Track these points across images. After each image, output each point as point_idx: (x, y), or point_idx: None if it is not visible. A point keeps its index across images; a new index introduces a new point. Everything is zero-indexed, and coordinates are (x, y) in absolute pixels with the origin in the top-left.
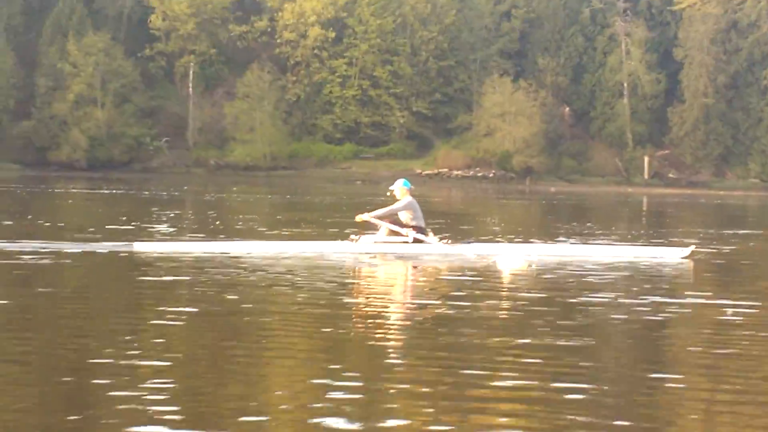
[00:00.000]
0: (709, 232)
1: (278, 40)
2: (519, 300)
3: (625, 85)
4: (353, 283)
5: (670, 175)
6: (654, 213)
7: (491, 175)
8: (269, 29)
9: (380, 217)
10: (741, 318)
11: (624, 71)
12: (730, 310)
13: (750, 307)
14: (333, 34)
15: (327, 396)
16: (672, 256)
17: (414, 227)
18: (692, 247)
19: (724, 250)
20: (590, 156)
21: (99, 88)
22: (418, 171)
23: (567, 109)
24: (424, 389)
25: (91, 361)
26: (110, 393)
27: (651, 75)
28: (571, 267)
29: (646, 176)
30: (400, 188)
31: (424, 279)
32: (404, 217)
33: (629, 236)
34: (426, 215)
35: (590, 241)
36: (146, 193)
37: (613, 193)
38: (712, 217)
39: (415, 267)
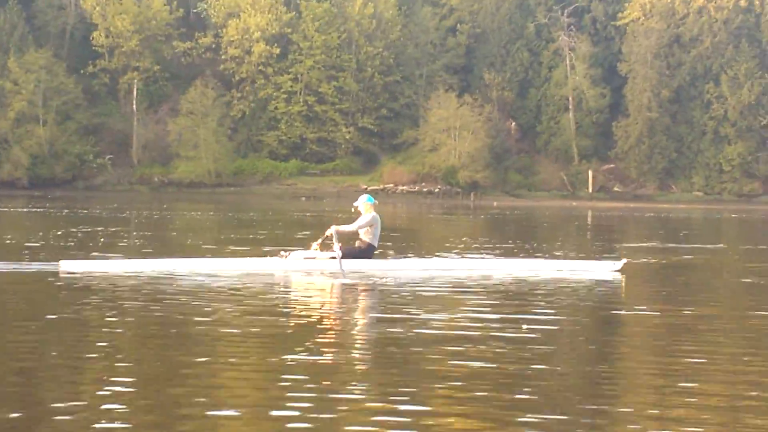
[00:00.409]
0: (647, 245)
1: (223, 57)
2: (457, 314)
3: (570, 99)
4: (280, 299)
5: (616, 189)
6: (596, 227)
7: (437, 190)
8: (214, 45)
9: (346, 233)
10: (664, 329)
11: (569, 86)
12: (656, 320)
13: (678, 316)
14: (278, 50)
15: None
16: (605, 270)
17: (362, 245)
18: (624, 260)
19: (660, 263)
20: (536, 170)
21: (41, 106)
22: (364, 186)
23: (513, 123)
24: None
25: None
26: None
27: (596, 89)
28: (510, 282)
29: (590, 190)
30: (364, 204)
31: (351, 294)
32: (362, 232)
33: (568, 250)
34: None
35: (533, 256)
36: (86, 211)
37: (558, 207)
38: (654, 230)
39: (340, 282)
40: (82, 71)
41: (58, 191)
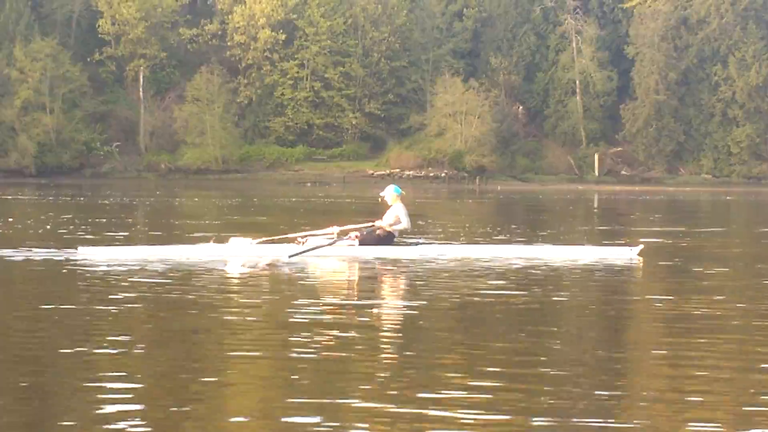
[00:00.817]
0: (658, 229)
1: (229, 43)
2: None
3: (578, 83)
4: (306, 283)
5: (623, 172)
6: (604, 211)
7: (443, 174)
8: (220, 32)
9: (387, 229)
10: (690, 313)
11: (576, 69)
12: (678, 306)
13: (698, 302)
14: (284, 36)
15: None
16: (623, 255)
17: (382, 233)
18: (641, 246)
19: (674, 247)
20: (544, 154)
21: (47, 94)
22: (370, 172)
23: (520, 107)
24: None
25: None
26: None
27: (603, 73)
28: (528, 268)
29: (597, 174)
30: (391, 194)
31: (367, 278)
32: (389, 219)
33: (577, 236)
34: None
35: (547, 243)
36: (94, 198)
37: (564, 191)
38: (664, 213)
39: (359, 267)
40: (88, 59)
41: (65, 179)
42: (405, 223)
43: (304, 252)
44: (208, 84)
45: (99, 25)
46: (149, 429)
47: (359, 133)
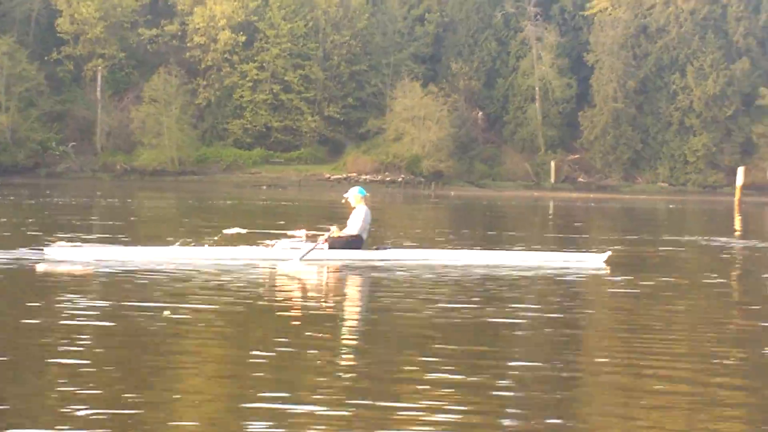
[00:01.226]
0: (618, 237)
1: (188, 44)
2: (457, 307)
3: (537, 89)
4: (269, 287)
5: (580, 180)
6: (559, 218)
7: (400, 179)
8: (180, 33)
9: (344, 238)
10: (658, 316)
11: (536, 76)
12: (647, 310)
13: (656, 309)
14: (244, 38)
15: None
16: (592, 261)
17: (349, 238)
18: (609, 253)
19: (630, 255)
20: (502, 160)
21: (3, 92)
22: (327, 176)
23: (479, 113)
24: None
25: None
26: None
27: (562, 80)
28: (494, 274)
29: (553, 180)
30: (355, 196)
31: (337, 282)
32: (354, 223)
33: (534, 243)
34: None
35: (505, 248)
36: (51, 199)
37: (520, 197)
38: (621, 222)
39: (330, 271)
40: (46, 58)
41: (19, 179)
42: (354, 230)
43: (308, 252)
44: (166, 85)
45: (57, 24)
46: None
47: (318, 137)
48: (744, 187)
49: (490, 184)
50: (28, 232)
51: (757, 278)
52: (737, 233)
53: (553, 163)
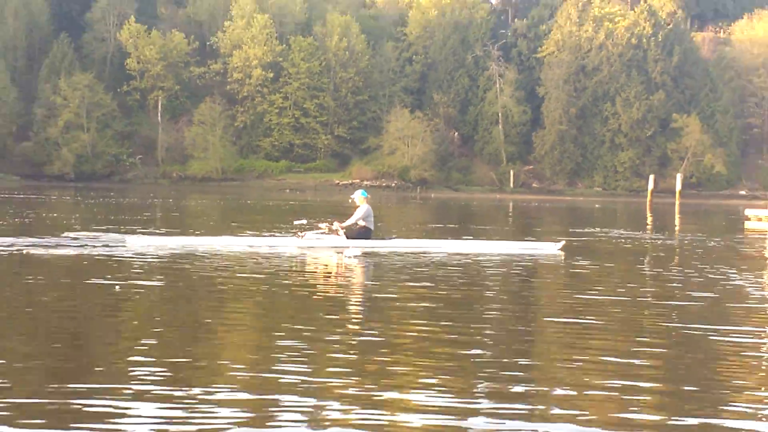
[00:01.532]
0: (565, 229)
1: (229, 79)
2: (433, 288)
3: (500, 115)
4: (300, 270)
5: (534, 185)
6: (521, 214)
7: (393, 184)
8: (222, 70)
9: (348, 227)
10: (607, 294)
11: (499, 104)
12: (598, 287)
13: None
14: (272, 75)
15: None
16: (549, 249)
17: (361, 228)
18: (563, 242)
19: (585, 243)
20: (473, 170)
21: (84, 116)
22: (337, 181)
23: (455, 133)
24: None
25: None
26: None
27: (519, 107)
28: (468, 259)
29: (512, 186)
30: (359, 197)
31: (354, 266)
32: (356, 218)
33: (504, 234)
34: (331, 215)
35: (479, 239)
36: (124, 199)
37: (487, 198)
38: (565, 217)
39: (347, 257)
40: (118, 89)
41: (97, 184)
42: (356, 221)
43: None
44: (211, 111)
45: (127, 63)
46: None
47: (330, 151)
48: (660, 190)
49: (464, 188)
50: (110, 225)
51: (666, 262)
52: (648, 227)
53: (512, 172)
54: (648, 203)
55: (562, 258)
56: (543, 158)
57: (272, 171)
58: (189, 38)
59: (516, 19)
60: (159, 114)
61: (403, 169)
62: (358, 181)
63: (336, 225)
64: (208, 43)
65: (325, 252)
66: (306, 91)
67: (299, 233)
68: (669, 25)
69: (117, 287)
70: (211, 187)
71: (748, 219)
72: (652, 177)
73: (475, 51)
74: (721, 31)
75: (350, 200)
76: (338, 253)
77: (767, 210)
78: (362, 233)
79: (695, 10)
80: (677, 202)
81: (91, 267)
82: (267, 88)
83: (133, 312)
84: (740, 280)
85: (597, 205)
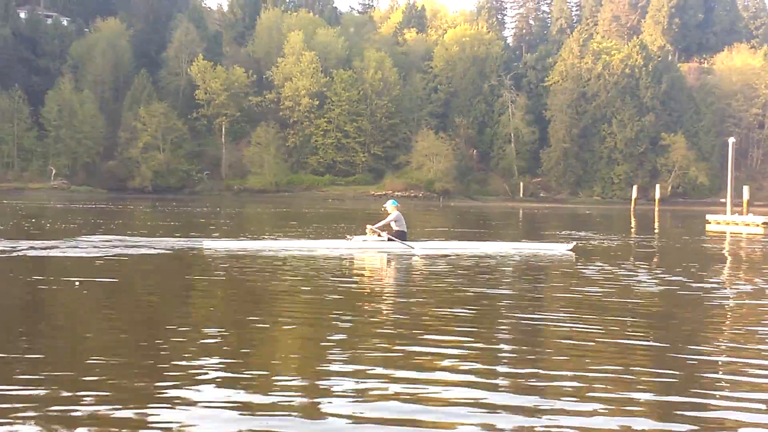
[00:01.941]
0: (575, 233)
1: (281, 107)
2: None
3: (512, 135)
4: (351, 269)
5: (542, 195)
6: (530, 219)
7: (420, 195)
8: (276, 99)
9: (381, 228)
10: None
11: (511, 126)
12: (606, 283)
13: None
14: (317, 102)
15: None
16: (561, 249)
17: (397, 231)
18: (574, 243)
19: (594, 245)
20: (489, 182)
21: (161, 139)
22: (372, 192)
23: (474, 151)
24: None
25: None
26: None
27: (529, 129)
28: (490, 258)
29: (522, 195)
30: (390, 205)
31: (397, 267)
32: (394, 224)
33: (519, 236)
34: (365, 221)
35: (506, 240)
36: (200, 209)
37: (501, 206)
38: (571, 222)
39: (390, 260)
40: (189, 116)
41: (171, 195)
42: (393, 225)
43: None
44: (266, 133)
45: (196, 94)
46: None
47: (367, 167)
48: (650, 199)
49: (481, 197)
50: (187, 230)
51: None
52: (631, 230)
53: (521, 184)
54: (632, 210)
55: (573, 258)
56: (549, 171)
57: (317, 184)
58: (248, 72)
59: (527, 54)
60: (223, 136)
61: (428, 181)
62: (390, 192)
63: (368, 228)
64: (264, 76)
65: (371, 252)
66: (346, 116)
67: (347, 236)
68: (658, 57)
69: (76, 283)
70: (267, 198)
71: (709, 222)
72: (635, 187)
73: (491, 81)
74: (705, 61)
75: (383, 209)
76: (380, 252)
77: (726, 215)
78: (399, 235)
79: (682, 44)
80: (656, 209)
81: (174, 264)
82: (313, 114)
83: (201, 305)
84: (692, 275)
85: (587, 211)
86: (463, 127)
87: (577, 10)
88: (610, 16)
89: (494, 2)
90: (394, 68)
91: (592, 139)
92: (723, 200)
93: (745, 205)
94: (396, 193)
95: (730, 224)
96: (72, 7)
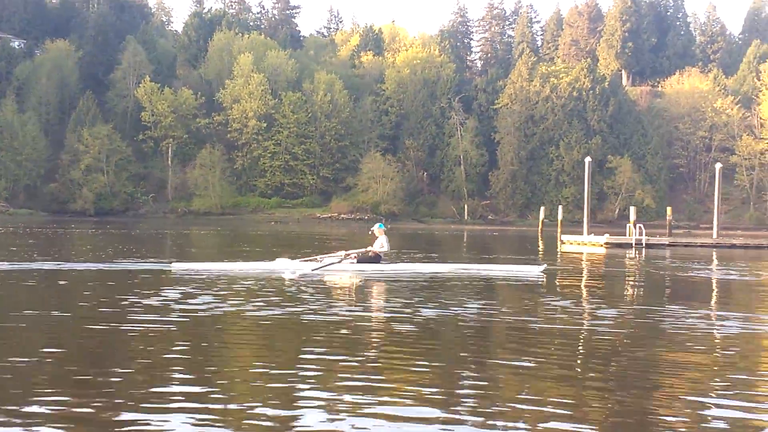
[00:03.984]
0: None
1: (229, 129)
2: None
3: (461, 157)
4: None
5: (490, 217)
6: (475, 242)
7: (366, 217)
8: (224, 121)
9: (368, 255)
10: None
11: (460, 148)
12: (581, 303)
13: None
14: (265, 124)
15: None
16: (533, 271)
17: (375, 254)
18: (545, 265)
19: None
20: (439, 205)
21: (104, 161)
22: (318, 215)
23: (424, 173)
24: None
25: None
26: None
27: (478, 151)
28: (462, 280)
29: (467, 218)
30: (377, 229)
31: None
32: (377, 246)
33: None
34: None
35: (467, 261)
36: (138, 232)
37: (448, 228)
38: (473, 243)
39: (359, 280)
40: (135, 138)
41: (113, 218)
42: (386, 248)
43: (322, 267)
44: (211, 156)
45: (142, 116)
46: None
47: (315, 189)
48: (598, 222)
49: (429, 220)
50: (137, 252)
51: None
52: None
53: (466, 207)
54: (539, 231)
55: (543, 280)
56: (498, 194)
57: (264, 206)
58: (197, 94)
59: (477, 77)
60: (169, 158)
61: (374, 204)
62: (335, 215)
63: (354, 252)
64: (213, 98)
65: (339, 275)
66: (295, 138)
67: (318, 258)
68: (607, 80)
69: None
70: (211, 220)
71: (563, 243)
72: (542, 209)
73: (441, 102)
74: (659, 85)
75: (370, 232)
76: (350, 277)
77: (581, 235)
78: (373, 259)
79: (636, 68)
80: (559, 230)
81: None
82: (261, 136)
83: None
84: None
85: (495, 233)
86: (414, 149)
87: (541, 34)
88: (569, 41)
89: (460, 26)
90: (345, 90)
91: (540, 161)
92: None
93: (631, 225)
94: (342, 216)
95: (580, 244)
96: (27, 29)
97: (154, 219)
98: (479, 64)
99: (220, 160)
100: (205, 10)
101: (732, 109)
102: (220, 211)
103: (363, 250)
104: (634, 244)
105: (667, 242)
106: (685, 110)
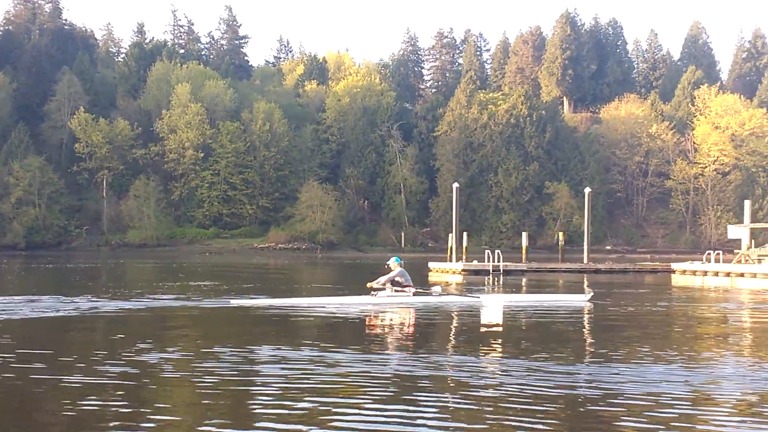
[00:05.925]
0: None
1: (167, 159)
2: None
3: (402, 185)
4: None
5: (430, 245)
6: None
7: (304, 246)
8: (161, 152)
9: (384, 283)
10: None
11: (400, 176)
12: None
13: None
14: (202, 155)
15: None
16: (580, 300)
17: (408, 286)
18: (591, 293)
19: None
20: (379, 233)
21: (36, 194)
22: (255, 245)
23: (365, 202)
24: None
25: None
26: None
27: (417, 179)
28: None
29: (405, 245)
30: (393, 263)
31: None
32: (400, 280)
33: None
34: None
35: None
36: (73, 265)
37: (383, 257)
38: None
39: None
40: (69, 170)
41: (45, 252)
42: (385, 279)
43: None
44: (146, 187)
45: (76, 147)
46: None
47: (255, 219)
48: (538, 247)
49: (369, 249)
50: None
51: None
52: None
53: (403, 235)
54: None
55: (591, 308)
56: (438, 221)
57: (201, 237)
58: (134, 125)
59: (417, 104)
60: (104, 190)
61: (312, 233)
62: (273, 244)
63: (373, 283)
64: (150, 129)
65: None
66: (233, 168)
67: (373, 292)
68: (544, 106)
69: None
70: (146, 252)
71: (431, 270)
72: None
73: (381, 130)
74: (598, 111)
75: (386, 266)
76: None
77: (450, 263)
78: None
79: (577, 95)
80: (449, 256)
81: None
82: (199, 166)
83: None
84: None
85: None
86: (354, 177)
87: (490, 62)
88: (515, 68)
89: (411, 55)
90: (284, 119)
91: (479, 188)
92: (608, 247)
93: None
94: (279, 245)
95: (443, 272)
96: None
97: (87, 252)
98: (431, 92)
99: (156, 190)
100: (147, 41)
101: (667, 135)
102: (156, 242)
103: (384, 279)
104: (491, 271)
105: (525, 268)
106: (622, 136)
